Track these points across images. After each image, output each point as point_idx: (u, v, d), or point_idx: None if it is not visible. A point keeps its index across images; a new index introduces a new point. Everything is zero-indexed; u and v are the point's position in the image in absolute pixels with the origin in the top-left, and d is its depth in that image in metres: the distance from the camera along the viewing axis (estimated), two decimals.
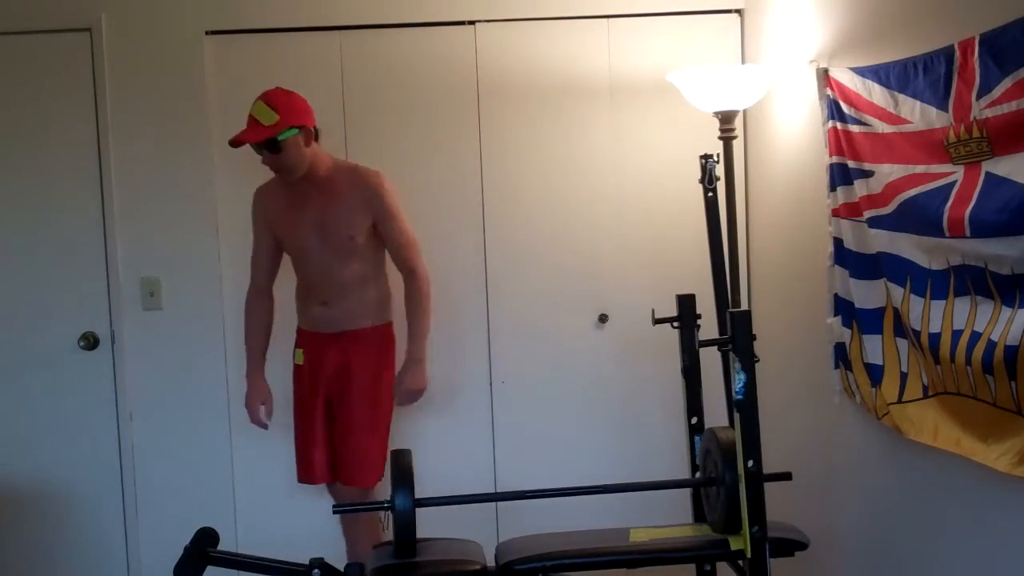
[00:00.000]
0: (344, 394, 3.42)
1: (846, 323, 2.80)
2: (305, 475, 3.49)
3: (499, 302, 3.84)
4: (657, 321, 3.15)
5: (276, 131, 3.17)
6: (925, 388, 2.47)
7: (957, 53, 2.17)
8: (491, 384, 3.87)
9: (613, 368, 3.87)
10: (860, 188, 2.63)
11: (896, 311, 2.53)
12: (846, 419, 2.99)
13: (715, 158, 3.29)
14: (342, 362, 3.42)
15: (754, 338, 2.58)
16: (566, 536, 2.82)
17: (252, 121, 3.21)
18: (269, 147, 3.20)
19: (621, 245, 3.85)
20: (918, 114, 2.34)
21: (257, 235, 3.47)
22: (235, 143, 3.22)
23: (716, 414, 3.33)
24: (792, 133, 3.32)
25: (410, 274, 3.43)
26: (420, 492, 2.70)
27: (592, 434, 3.89)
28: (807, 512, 3.16)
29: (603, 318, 3.87)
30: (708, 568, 3.15)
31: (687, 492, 3.18)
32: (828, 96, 2.80)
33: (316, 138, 3.31)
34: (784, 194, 3.44)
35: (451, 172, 3.81)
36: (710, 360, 3.27)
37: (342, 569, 2.56)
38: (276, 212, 3.40)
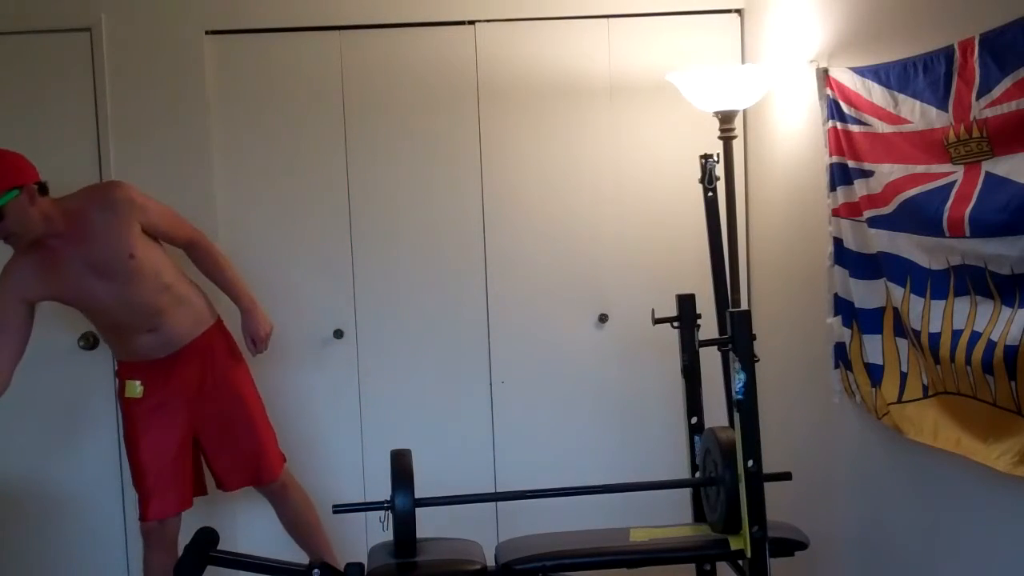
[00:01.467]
0: (219, 403, 3.31)
1: (846, 323, 2.80)
2: (172, 506, 3.26)
3: (499, 302, 3.84)
4: (657, 321, 3.15)
5: None
6: (925, 388, 2.47)
7: (957, 53, 2.17)
8: (491, 384, 3.86)
9: (613, 368, 3.87)
10: (860, 188, 2.63)
11: (896, 311, 2.54)
12: (846, 419, 2.99)
13: (715, 158, 3.29)
14: (196, 373, 3.27)
15: (754, 338, 2.59)
16: (566, 536, 2.82)
17: None
18: None
19: (621, 245, 3.84)
20: (918, 114, 2.34)
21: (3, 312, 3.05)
22: None
23: (716, 414, 3.33)
24: (792, 133, 3.32)
25: (190, 242, 3.31)
26: (420, 492, 2.70)
27: (592, 434, 3.89)
28: (807, 512, 3.16)
29: (603, 318, 3.87)
30: (708, 568, 3.15)
31: (687, 492, 3.18)
32: (828, 96, 2.81)
33: (44, 191, 2.98)
34: (784, 194, 3.44)
35: (451, 172, 3.81)
36: (710, 360, 3.27)
37: (342, 569, 2.56)
38: (39, 284, 3.05)
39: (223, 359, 3.36)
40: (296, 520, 3.49)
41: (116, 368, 3.37)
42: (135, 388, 3.23)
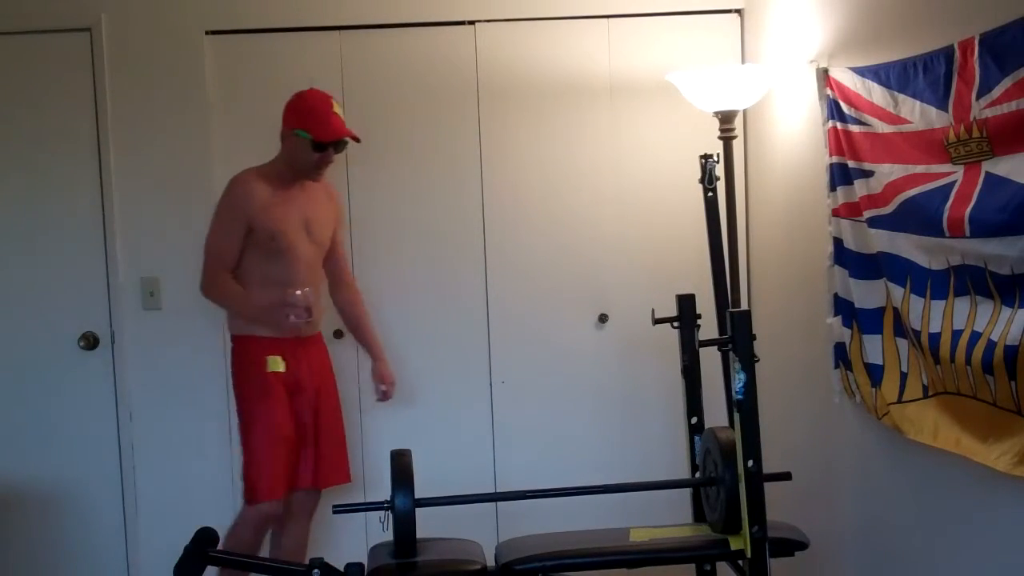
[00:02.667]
0: (326, 396, 3.45)
1: (846, 323, 2.80)
2: (289, 486, 3.34)
3: (499, 302, 3.84)
4: (657, 321, 3.15)
5: None
6: (925, 388, 2.47)
7: (957, 53, 2.17)
8: (491, 384, 3.86)
9: (613, 368, 3.87)
10: (860, 188, 2.63)
11: (896, 311, 2.54)
12: (846, 419, 2.99)
13: (715, 158, 3.29)
14: (324, 364, 3.47)
15: (754, 338, 2.59)
16: (566, 536, 2.82)
17: (341, 119, 3.25)
18: (340, 146, 3.28)
19: (621, 245, 3.85)
20: (918, 114, 2.34)
21: (232, 223, 3.27)
22: (347, 137, 3.25)
23: (716, 414, 3.33)
24: (792, 133, 3.32)
25: (350, 280, 3.61)
26: (420, 492, 2.70)
27: (592, 434, 3.89)
28: (807, 512, 3.16)
29: (603, 318, 3.87)
30: (708, 568, 3.15)
31: (687, 492, 3.18)
32: (828, 96, 2.81)
33: None
34: (784, 194, 3.44)
35: (451, 172, 3.81)
36: (710, 360, 3.27)
37: (342, 569, 2.56)
38: (267, 203, 3.27)
39: (329, 362, 3.53)
40: (295, 545, 3.47)
41: (236, 346, 3.40)
42: (278, 363, 3.32)
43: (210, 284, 3.34)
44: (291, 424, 3.35)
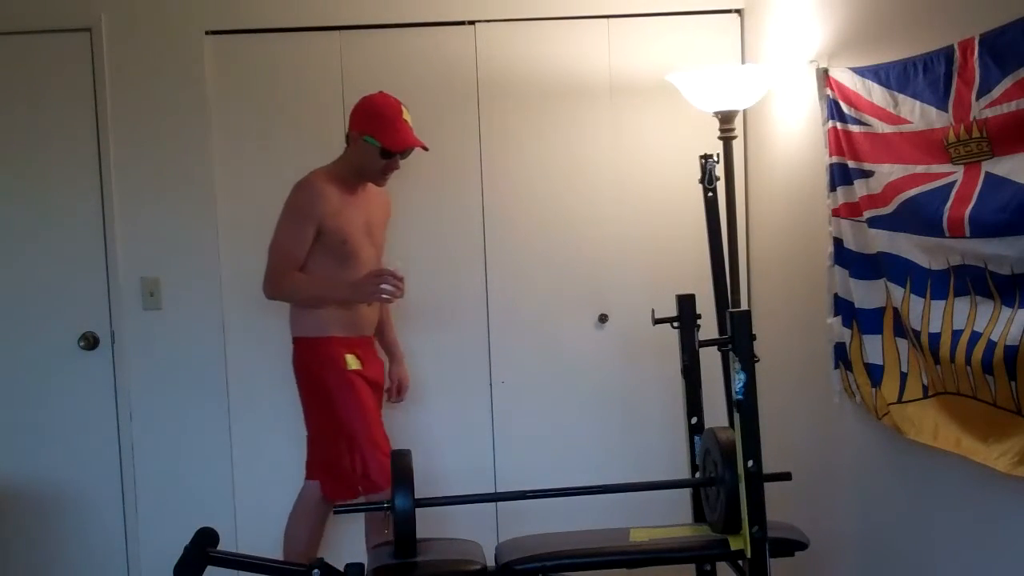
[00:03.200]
0: (380, 396, 3.52)
1: (846, 323, 2.80)
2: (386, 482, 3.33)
3: (499, 302, 3.84)
4: (657, 321, 3.15)
5: None
6: (925, 388, 2.47)
7: (957, 53, 2.17)
8: (491, 384, 3.86)
9: (613, 368, 3.87)
10: (860, 188, 2.63)
11: (896, 311, 2.54)
12: (846, 419, 2.99)
13: (715, 158, 3.29)
14: (381, 364, 3.54)
15: (754, 338, 2.58)
16: (566, 536, 2.82)
17: (410, 127, 3.29)
18: (407, 153, 3.32)
19: (621, 245, 3.85)
20: (918, 114, 2.34)
21: (302, 225, 3.27)
22: (415, 147, 3.29)
23: (716, 414, 3.33)
24: (792, 133, 3.32)
25: None
26: (420, 492, 2.70)
27: (592, 434, 3.89)
28: (807, 512, 3.16)
29: (603, 318, 3.87)
30: (708, 568, 3.15)
31: (687, 492, 3.18)
32: (828, 96, 2.81)
33: None
34: (784, 194, 3.44)
35: (451, 172, 3.81)
36: (710, 360, 3.27)
37: (342, 569, 2.56)
38: (337, 206, 3.29)
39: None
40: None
41: (311, 346, 3.36)
42: (353, 360, 3.35)
43: (278, 283, 3.32)
44: (379, 419, 3.41)
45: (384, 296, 3.20)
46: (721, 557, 2.79)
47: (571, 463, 3.83)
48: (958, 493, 2.42)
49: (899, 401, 2.58)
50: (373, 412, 3.37)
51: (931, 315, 2.34)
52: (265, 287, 3.33)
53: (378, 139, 3.24)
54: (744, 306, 3.66)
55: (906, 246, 2.43)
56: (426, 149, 3.30)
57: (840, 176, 2.76)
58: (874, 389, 2.70)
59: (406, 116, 3.29)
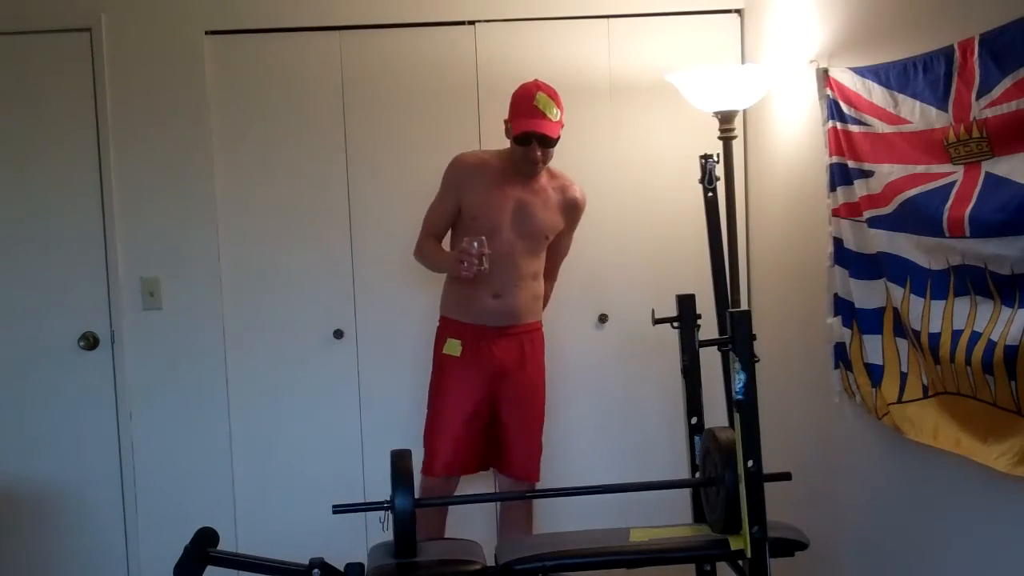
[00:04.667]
0: (520, 389, 3.45)
1: (846, 323, 2.80)
2: (446, 468, 3.40)
3: None
4: (657, 321, 3.15)
5: (559, 128, 3.29)
6: (925, 388, 2.47)
7: (957, 53, 2.17)
8: None
9: (613, 368, 3.87)
10: (860, 188, 2.63)
11: (896, 311, 2.54)
12: (846, 419, 2.99)
13: (715, 158, 3.29)
14: (513, 358, 3.43)
15: (754, 338, 2.58)
16: (566, 536, 2.82)
17: (539, 112, 3.23)
18: (546, 143, 3.26)
19: (621, 245, 3.85)
20: (918, 114, 2.34)
21: (443, 198, 3.41)
22: (533, 133, 3.22)
23: (716, 414, 3.33)
24: (792, 133, 3.32)
25: (551, 278, 3.61)
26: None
27: (592, 434, 3.89)
28: (807, 512, 3.16)
29: (603, 318, 3.87)
30: (708, 568, 3.15)
31: (687, 492, 3.18)
32: (828, 96, 2.80)
33: None
34: (784, 194, 3.44)
35: None
36: (710, 360, 3.27)
37: (342, 569, 2.56)
38: (476, 184, 3.35)
39: (540, 356, 3.53)
40: (514, 523, 3.51)
41: (438, 324, 3.50)
42: (455, 346, 3.40)
43: (417, 248, 3.46)
44: (466, 409, 3.39)
45: (463, 272, 3.22)
46: (721, 557, 2.79)
47: (571, 463, 3.83)
48: (958, 493, 2.42)
49: (899, 401, 2.58)
50: (448, 400, 3.40)
51: (931, 315, 2.34)
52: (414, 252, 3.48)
53: (509, 122, 3.29)
54: (744, 306, 3.66)
55: (906, 246, 2.43)
56: (551, 138, 3.25)
57: (840, 176, 2.76)
58: (874, 389, 2.69)
59: (538, 101, 3.25)
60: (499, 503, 3.55)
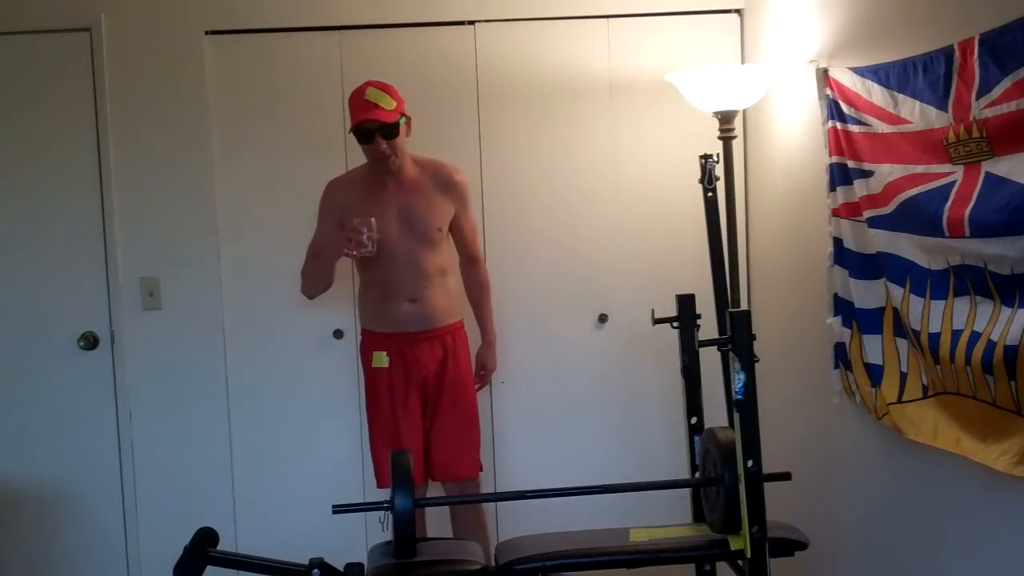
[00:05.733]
0: (444, 391, 3.43)
1: (846, 323, 2.80)
2: (420, 477, 3.39)
3: (499, 302, 3.83)
4: (657, 321, 3.15)
5: (396, 116, 3.24)
6: (925, 388, 2.47)
7: (957, 53, 2.17)
8: (491, 384, 3.86)
9: (613, 368, 3.87)
10: (860, 188, 2.63)
11: (896, 311, 2.54)
12: (846, 419, 2.99)
13: (715, 158, 3.28)
14: (438, 359, 3.42)
15: (754, 338, 2.58)
16: (566, 536, 2.82)
17: (371, 104, 3.22)
18: (386, 132, 3.23)
19: (621, 245, 3.85)
20: (918, 114, 2.34)
21: (323, 225, 3.41)
22: (366, 122, 3.20)
23: (716, 414, 3.33)
24: (792, 133, 3.32)
25: (474, 260, 3.58)
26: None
27: (592, 434, 3.89)
28: (807, 512, 3.16)
29: (603, 318, 3.87)
30: (708, 568, 3.15)
31: (687, 492, 3.18)
32: (828, 96, 2.81)
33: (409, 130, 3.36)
34: (784, 194, 3.44)
35: None
36: (710, 360, 3.27)
37: (342, 569, 2.56)
38: (352, 201, 3.34)
39: (464, 355, 3.50)
40: (468, 523, 3.51)
41: (361, 340, 3.52)
42: (383, 358, 3.39)
43: (302, 274, 3.43)
44: (399, 418, 3.39)
45: (348, 251, 3.19)
46: (721, 557, 2.79)
47: (571, 463, 3.83)
48: (958, 493, 2.42)
49: (899, 401, 2.58)
50: (386, 412, 3.40)
51: (931, 315, 2.34)
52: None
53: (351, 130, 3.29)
54: (744, 306, 3.66)
55: (906, 246, 2.43)
56: (379, 122, 3.20)
57: (840, 176, 2.76)
58: (874, 389, 2.70)
59: (368, 96, 3.24)
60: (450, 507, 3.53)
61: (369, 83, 3.29)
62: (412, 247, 3.35)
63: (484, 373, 3.61)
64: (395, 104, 3.25)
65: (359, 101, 3.25)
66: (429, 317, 3.39)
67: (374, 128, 3.22)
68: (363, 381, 3.53)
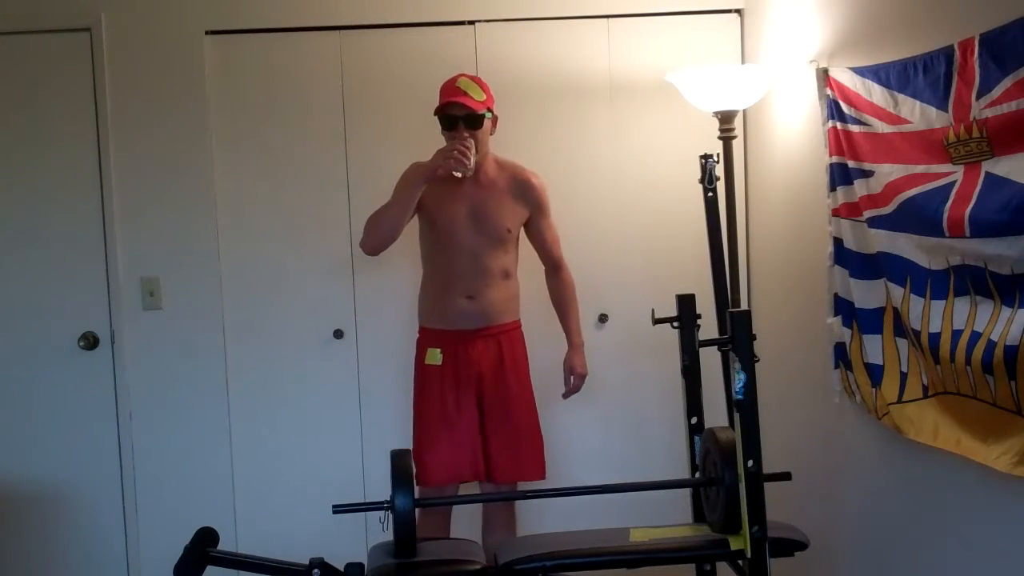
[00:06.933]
0: (501, 392, 3.41)
1: (846, 323, 2.80)
2: (449, 476, 3.36)
3: None
4: (657, 321, 3.15)
5: (483, 108, 3.26)
6: (925, 388, 2.47)
7: (957, 53, 2.17)
8: None
9: (613, 368, 3.87)
10: (860, 188, 2.63)
11: (896, 311, 2.54)
12: (846, 419, 2.99)
13: (715, 158, 3.29)
14: (492, 359, 3.40)
15: (754, 338, 2.58)
16: (566, 536, 2.82)
17: (460, 91, 3.24)
18: (470, 122, 3.24)
19: (621, 245, 3.84)
20: (918, 114, 2.34)
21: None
22: (452, 104, 3.21)
23: (716, 414, 3.33)
24: (792, 133, 3.32)
25: (558, 266, 3.55)
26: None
27: (592, 434, 3.89)
28: (807, 512, 3.16)
29: (603, 318, 3.87)
30: (708, 568, 3.15)
31: (687, 492, 3.18)
32: (828, 96, 2.81)
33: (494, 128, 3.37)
34: (784, 194, 3.45)
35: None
36: (710, 360, 3.27)
37: (342, 569, 2.56)
38: (429, 187, 3.29)
39: (521, 356, 3.49)
40: (497, 524, 3.50)
41: (417, 338, 3.48)
42: (436, 355, 3.37)
43: (370, 223, 3.37)
44: (452, 418, 3.36)
45: (450, 164, 3.16)
46: (721, 557, 2.79)
47: (571, 463, 3.83)
48: (958, 493, 2.42)
49: (899, 401, 2.58)
50: (436, 410, 3.37)
51: (931, 315, 2.34)
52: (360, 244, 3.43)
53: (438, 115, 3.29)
54: (744, 306, 3.66)
55: (906, 246, 2.43)
56: (465, 107, 3.22)
57: (840, 176, 2.77)
58: (874, 389, 2.70)
59: (460, 84, 3.26)
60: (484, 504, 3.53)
61: (462, 74, 3.32)
62: (479, 244, 3.34)
63: (577, 376, 3.54)
64: (484, 97, 3.27)
65: (450, 87, 3.27)
66: (484, 314, 3.37)
67: (460, 115, 3.23)
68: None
